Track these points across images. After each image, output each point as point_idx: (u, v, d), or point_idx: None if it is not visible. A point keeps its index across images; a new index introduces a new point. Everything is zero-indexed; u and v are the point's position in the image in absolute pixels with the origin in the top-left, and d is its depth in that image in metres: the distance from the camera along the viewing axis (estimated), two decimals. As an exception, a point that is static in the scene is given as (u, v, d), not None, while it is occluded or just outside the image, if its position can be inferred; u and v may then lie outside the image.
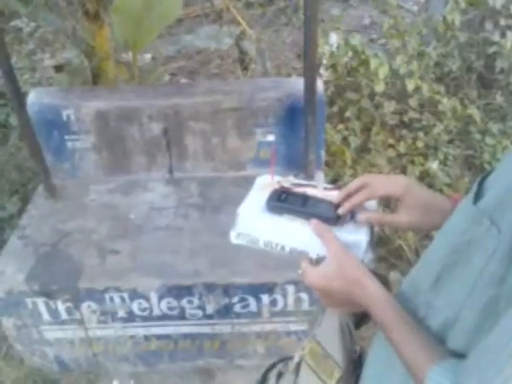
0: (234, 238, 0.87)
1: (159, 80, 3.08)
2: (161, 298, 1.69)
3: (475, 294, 0.59)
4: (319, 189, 0.90)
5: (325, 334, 0.91)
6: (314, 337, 0.92)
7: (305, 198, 0.86)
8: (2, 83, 3.05)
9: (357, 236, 0.82)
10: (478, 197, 0.62)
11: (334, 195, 0.86)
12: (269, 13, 3.74)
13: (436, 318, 0.66)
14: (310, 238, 0.81)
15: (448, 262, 0.64)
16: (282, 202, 0.85)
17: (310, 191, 0.89)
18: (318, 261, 0.80)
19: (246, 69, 3.17)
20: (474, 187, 0.64)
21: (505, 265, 0.55)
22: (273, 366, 1.03)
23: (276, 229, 0.84)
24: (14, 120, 2.84)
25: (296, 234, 0.83)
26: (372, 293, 0.73)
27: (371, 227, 0.84)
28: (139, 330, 1.78)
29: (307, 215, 0.83)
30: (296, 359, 0.94)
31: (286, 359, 1.00)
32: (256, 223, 0.85)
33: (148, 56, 3.39)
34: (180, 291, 1.69)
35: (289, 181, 0.92)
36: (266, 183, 0.91)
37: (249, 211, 0.87)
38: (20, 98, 1.81)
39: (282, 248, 0.83)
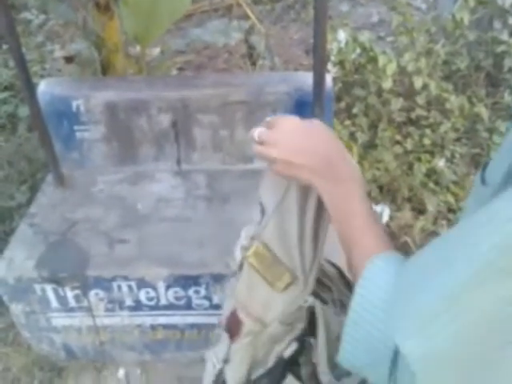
0: None
1: (167, 74, 3.10)
2: (168, 287, 1.71)
3: None
4: None
5: (275, 236, 0.81)
6: (260, 237, 0.83)
7: None
8: (11, 74, 3.09)
9: None
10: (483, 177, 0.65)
11: None
12: (277, 8, 3.75)
13: None
14: None
15: None
16: None
17: None
18: None
19: (253, 64, 3.18)
20: (481, 169, 0.67)
21: None
22: None
23: None
24: (22, 111, 2.87)
25: None
26: (354, 171, 0.73)
27: None
28: (146, 319, 1.80)
29: None
30: (238, 259, 0.88)
31: None
32: None
33: (157, 50, 3.40)
34: (187, 281, 1.70)
35: None
36: None
37: None
38: (31, 88, 1.82)
39: None
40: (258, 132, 0.79)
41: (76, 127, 2.04)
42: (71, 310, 1.76)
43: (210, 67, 3.49)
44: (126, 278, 1.69)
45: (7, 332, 1.99)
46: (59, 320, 1.79)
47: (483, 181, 0.65)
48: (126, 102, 2.01)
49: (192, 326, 1.82)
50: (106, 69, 2.47)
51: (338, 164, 0.74)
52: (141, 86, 2.11)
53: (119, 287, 1.70)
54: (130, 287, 1.70)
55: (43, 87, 2.03)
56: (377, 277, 0.60)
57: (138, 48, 2.66)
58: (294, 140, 0.76)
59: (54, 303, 1.74)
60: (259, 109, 2.00)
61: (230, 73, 3.37)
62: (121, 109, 2.01)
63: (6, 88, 3.08)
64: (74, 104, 2.00)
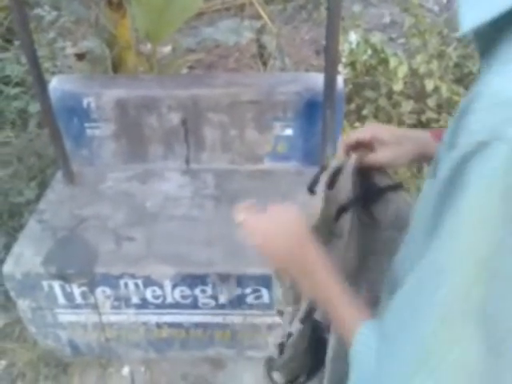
0: None
1: (177, 72, 3.10)
2: (174, 286, 1.71)
3: None
4: None
5: None
6: None
7: None
8: (23, 71, 3.10)
9: None
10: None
11: None
12: (289, 8, 3.74)
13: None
14: None
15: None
16: None
17: None
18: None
19: (264, 64, 3.18)
20: None
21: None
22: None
23: None
24: (33, 108, 2.88)
25: None
26: (312, 252, 0.76)
27: None
28: (152, 318, 1.80)
29: None
30: None
31: None
32: None
33: (168, 48, 3.40)
34: (194, 280, 1.70)
35: None
36: None
37: None
38: (43, 84, 1.83)
39: None
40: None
41: (86, 124, 2.05)
42: (78, 306, 1.76)
43: (220, 66, 3.48)
44: (132, 276, 1.69)
45: (13, 327, 2.00)
46: (65, 316, 1.80)
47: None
48: (137, 99, 2.01)
49: (197, 324, 1.81)
50: (117, 66, 2.47)
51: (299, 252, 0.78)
52: (151, 83, 2.12)
53: (126, 285, 1.70)
54: (136, 285, 1.70)
55: (55, 84, 2.03)
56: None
57: (150, 46, 2.66)
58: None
59: (61, 299, 1.75)
60: (270, 109, 2.00)
61: (241, 72, 3.36)
62: (131, 106, 2.01)
63: (17, 84, 3.09)
64: (85, 101, 2.00)
